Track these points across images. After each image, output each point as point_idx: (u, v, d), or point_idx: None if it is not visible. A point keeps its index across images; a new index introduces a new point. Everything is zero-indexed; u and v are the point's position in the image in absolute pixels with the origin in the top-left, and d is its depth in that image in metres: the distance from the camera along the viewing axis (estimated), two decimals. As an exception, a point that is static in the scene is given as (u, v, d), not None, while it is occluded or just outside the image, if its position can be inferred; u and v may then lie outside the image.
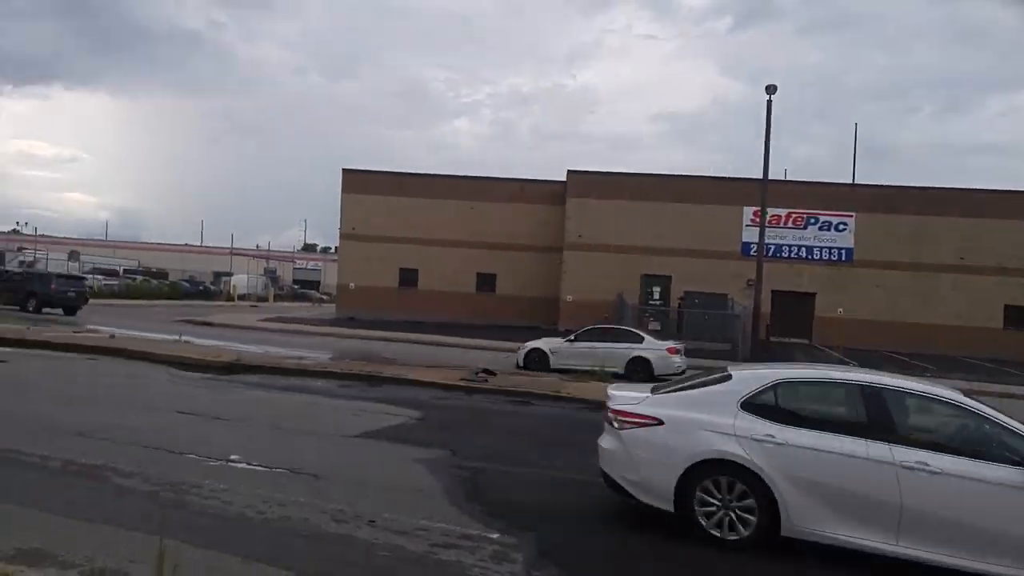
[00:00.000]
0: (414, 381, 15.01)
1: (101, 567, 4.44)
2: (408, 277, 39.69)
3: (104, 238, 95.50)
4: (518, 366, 19.34)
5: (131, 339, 19.79)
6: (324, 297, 73.44)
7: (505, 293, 38.95)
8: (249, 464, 7.66)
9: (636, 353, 18.42)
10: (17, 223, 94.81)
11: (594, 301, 33.79)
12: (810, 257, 35.35)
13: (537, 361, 19.23)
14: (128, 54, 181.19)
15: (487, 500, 7.06)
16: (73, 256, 58.27)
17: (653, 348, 18.65)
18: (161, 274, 67.45)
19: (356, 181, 40.41)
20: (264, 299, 62.60)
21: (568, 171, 37.18)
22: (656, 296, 34.12)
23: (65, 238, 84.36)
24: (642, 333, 19.73)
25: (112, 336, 19.89)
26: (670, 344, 19.18)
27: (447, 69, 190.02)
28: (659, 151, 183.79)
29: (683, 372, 17.47)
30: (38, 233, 73.51)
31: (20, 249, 67.82)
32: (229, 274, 69.69)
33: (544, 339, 20.27)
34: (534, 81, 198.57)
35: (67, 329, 21.67)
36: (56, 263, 54.86)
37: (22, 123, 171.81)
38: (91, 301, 34.39)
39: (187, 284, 60.94)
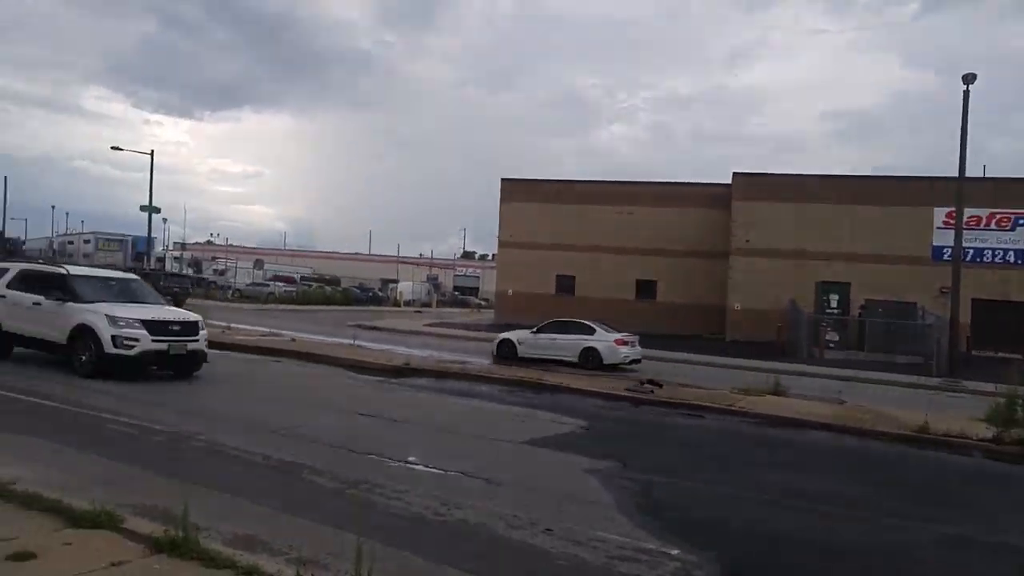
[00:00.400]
0: (578, 390, 14.93)
1: (302, 557, 4.66)
2: (565, 284, 39.80)
3: (283, 247, 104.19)
4: (493, 355, 21.42)
5: (310, 343, 21.25)
6: (482, 303, 75.48)
7: (666, 300, 38.01)
8: (426, 467, 7.87)
9: (588, 344, 19.95)
10: (211, 234, 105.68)
11: (763, 309, 32.18)
12: (1020, 262, 31.53)
13: (508, 350, 21.22)
14: (306, 77, 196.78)
15: (662, 515, 6.80)
16: (258, 264, 63.71)
17: (603, 340, 20.09)
18: (333, 281, 72.21)
19: (514, 190, 41.18)
20: (427, 305, 65.31)
21: (734, 173, 35.72)
22: (833, 305, 31.66)
23: (251, 247, 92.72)
24: (595, 326, 20.86)
25: (293, 340, 21.45)
26: (618, 336, 20.47)
27: (603, 75, 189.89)
28: (829, 151, 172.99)
29: (632, 361, 20.02)
30: (228, 243, 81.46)
31: (214, 258, 75.36)
32: (395, 281, 73.52)
33: (515, 331, 22.34)
34: (693, 83, 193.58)
35: (255, 332, 23.61)
36: (244, 271, 60.41)
37: (217, 144, 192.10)
38: (271, 305, 37.52)
39: (358, 290, 64.79)
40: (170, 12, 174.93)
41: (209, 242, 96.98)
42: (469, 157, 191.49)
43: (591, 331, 20.52)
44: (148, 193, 46.87)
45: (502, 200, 41.45)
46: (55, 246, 76.87)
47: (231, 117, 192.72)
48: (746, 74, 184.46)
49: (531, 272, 39.81)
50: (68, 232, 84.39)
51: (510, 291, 40.86)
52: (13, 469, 6.05)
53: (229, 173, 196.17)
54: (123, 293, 13.66)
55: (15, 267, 14.48)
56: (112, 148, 50.64)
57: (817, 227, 33.24)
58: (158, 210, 50.10)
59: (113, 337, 11.96)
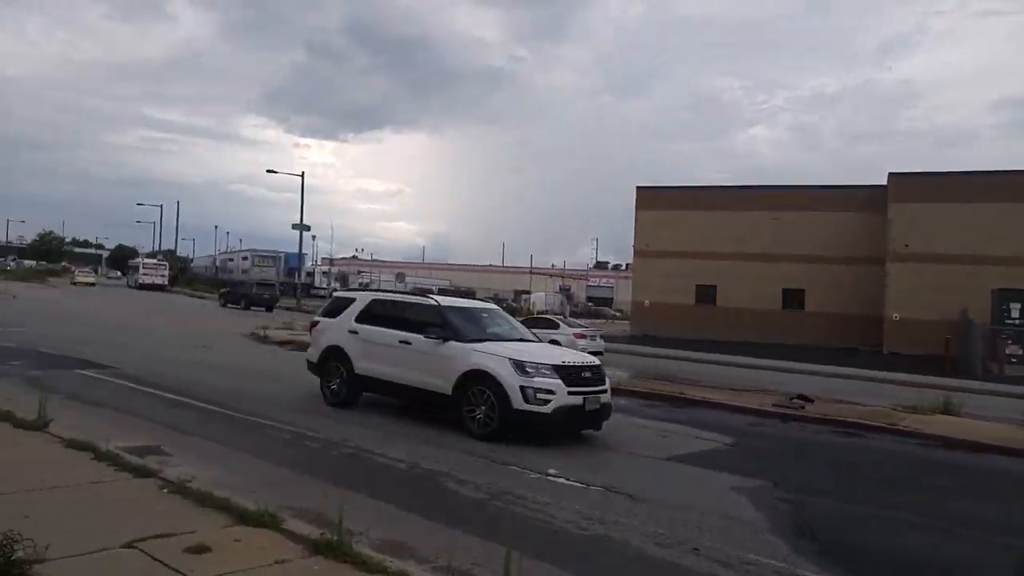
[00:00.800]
0: (721, 404, 14.34)
1: (450, 566, 4.71)
2: (705, 294, 38.52)
3: (421, 261, 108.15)
4: None
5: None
6: (616, 314, 74.67)
7: (815, 310, 35.90)
8: (567, 480, 7.79)
9: (552, 336, 20.88)
10: (356, 250, 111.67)
11: (926, 320, 29.67)
12: None
13: None
14: (441, 96, 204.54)
15: (820, 539, 6.36)
16: (399, 278, 66.58)
17: (564, 334, 22.81)
18: (469, 293, 73.93)
19: (649, 197, 40.42)
20: (560, 316, 65.30)
21: (890, 174, 33.28)
22: (1015, 315, 28.18)
23: (392, 262, 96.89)
24: (560, 322, 25.22)
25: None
26: (577, 331, 24.00)
27: (742, 77, 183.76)
28: (1002, 144, 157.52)
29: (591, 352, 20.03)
30: (372, 258, 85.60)
31: (359, 272, 79.47)
32: (528, 292, 74.27)
33: None
34: (840, 80, 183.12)
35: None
36: (387, 283, 63.27)
37: (360, 164, 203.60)
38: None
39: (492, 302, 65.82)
40: (318, 41, 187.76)
41: (354, 257, 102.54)
42: (602, 166, 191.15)
43: (556, 326, 24.04)
44: (299, 212, 50.32)
45: (638, 208, 40.82)
46: (217, 263, 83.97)
47: (373, 138, 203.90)
48: (900, 66, 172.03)
49: (669, 282, 38.83)
50: (228, 250, 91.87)
51: (646, 302, 40.10)
52: (191, 469, 6.58)
53: (372, 192, 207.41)
54: (494, 326, 11.34)
55: (364, 296, 12.24)
56: (268, 171, 54.69)
57: (990, 228, 30.26)
58: (308, 228, 53.74)
59: (523, 388, 9.37)
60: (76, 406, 9.78)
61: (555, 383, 9.47)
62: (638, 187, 41.07)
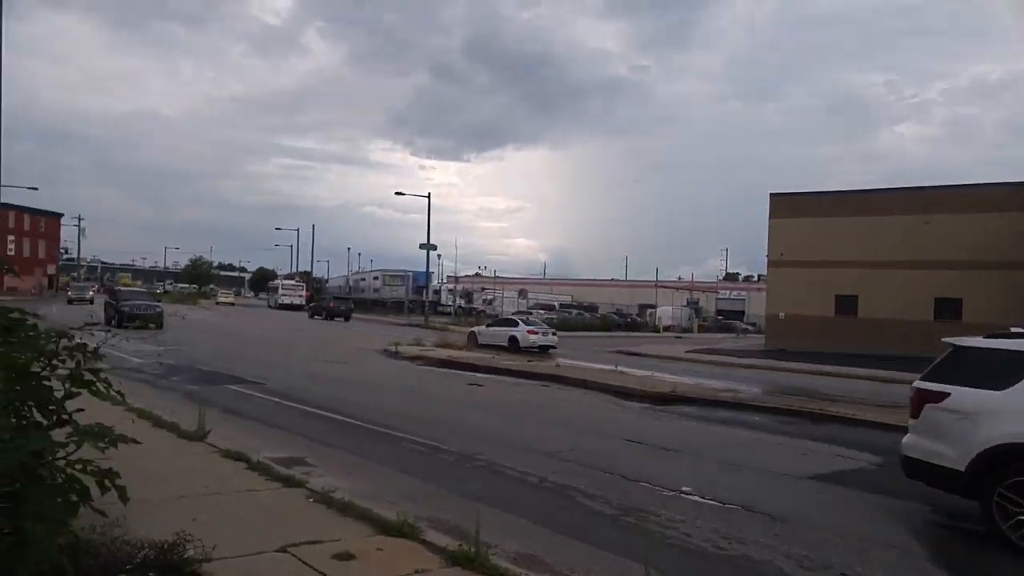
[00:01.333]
0: (865, 422, 13.47)
1: (585, 583, 4.69)
2: (846, 305, 36.18)
3: (542, 276, 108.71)
4: (467, 343, 28.95)
5: (573, 368, 21.74)
6: (748, 328, 71.88)
7: (974, 321, 32.82)
8: (702, 498, 7.56)
9: (511, 333, 28.80)
10: (478, 267, 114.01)
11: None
12: None
13: (473, 339, 29.96)
14: (563, 110, 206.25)
15: (993, 572, 5.78)
16: (522, 294, 67.24)
17: (520, 330, 28.86)
18: (591, 308, 73.50)
19: (784, 205, 38.53)
20: (688, 330, 63.77)
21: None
22: None
23: (514, 278, 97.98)
24: (519, 320, 31.34)
25: (557, 365, 22.12)
26: (529, 328, 29.47)
27: (885, 71, 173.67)
28: None
29: (541, 347, 28.17)
30: (495, 275, 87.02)
31: (483, 289, 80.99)
32: (653, 306, 72.94)
33: (476, 327, 32.65)
34: (1005, 66, 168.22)
35: (521, 358, 24.74)
36: (509, 300, 64.12)
37: (483, 183, 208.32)
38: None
39: (616, 317, 65.28)
40: (440, 64, 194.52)
41: (477, 274, 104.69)
42: (730, 174, 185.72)
43: (516, 324, 29.99)
44: (426, 233, 52.09)
45: (771, 216, 38.99)
46: (350, 283, 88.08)
47: (495, 156, 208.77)
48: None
49: (806, 293, 36.74)
50: (360, 270, 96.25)
51: (781, 314, 38.22)
52: (333, 479, 6.92)
53: (495, 209, 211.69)
54: None
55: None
56: (396, 194, 57.45)
57: None
58: (435, 247, 55.49)
59: None
60: (229, 419, 10.53)
61: None
62: (772, 194, 39.27)
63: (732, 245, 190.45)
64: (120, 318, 26.80)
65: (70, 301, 52.34)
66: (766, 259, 39.93)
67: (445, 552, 4.88)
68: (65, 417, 4.28)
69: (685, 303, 77.86)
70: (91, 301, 51.29)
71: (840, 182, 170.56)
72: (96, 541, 4.04)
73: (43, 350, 4.24)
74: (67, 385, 4.31)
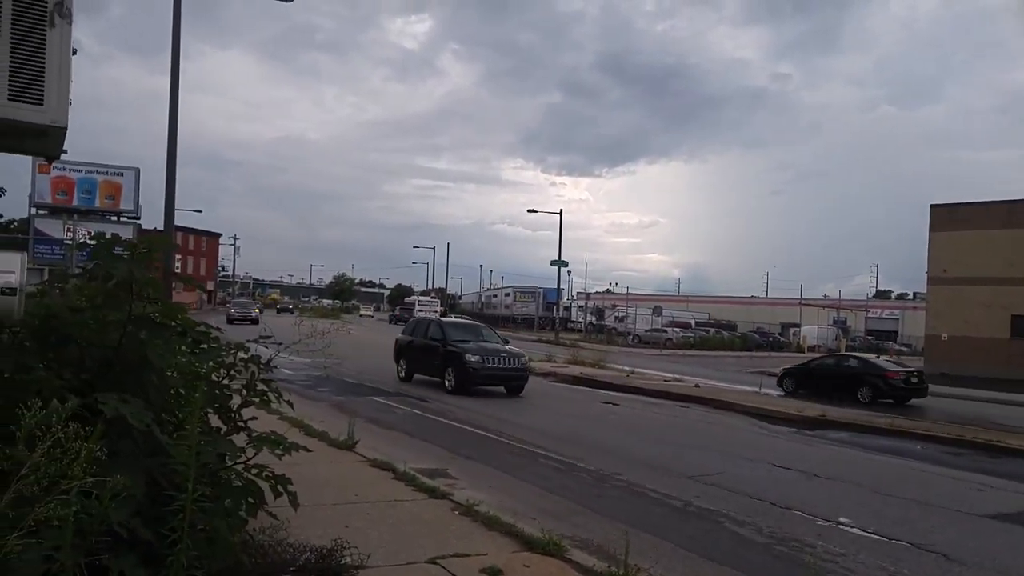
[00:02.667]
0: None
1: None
2: (1023, 325, 32.62)
3: (677, 293, 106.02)
4: None
5: (714, 389, 20.96)
6: (904, 349, 66.72)
7: None
8: (863, 530, 7.01)
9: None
10: (610, 284, 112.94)
11: None
12: None
13: None
14: (697, 123, 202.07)
15: None
16: (656, 311, 65.71)
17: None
18: (729, 326, 70.73)
19: (947, 216, 35.36)
20: (835, 350, 60.05)
21: None
22: None
23: (647, 295, 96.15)
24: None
25: (697, 385, 21.40)
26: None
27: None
28: None
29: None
30: (627, 291, 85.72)
31: (614, 306, 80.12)
32: (796, 325, 69.26)
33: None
34: None
35: (657, 377, 24.18)
36: (642, 317, 62.98)
37: (614, 198, 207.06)
38: (669, 350, 38.64)
39: (757, 336, 62.51)
40: (572, 81, 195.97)
41: (608, 291, 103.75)
42: (881, 185, 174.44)
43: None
44: (558, 249, 52.36)
45: (932, 229, 35.86)
46: (483, 299, 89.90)
47: (627, 171, 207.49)
48: None
49: (974, 312, 33.34)
50: (492, 287, 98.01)
51: (944, 335, 34.98)
52: (476, 492, 7.01)
53: (626, 224, 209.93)
54: None
55: None
56: (528, 211, 58.11)
57: None
58: (566, 264, 55.59)
59: None
60: (373, 428, 10.96)
61: None
62: (932, 206, 36.17)
63: (883, 261, 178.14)
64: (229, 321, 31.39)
65: (231, 320, 44.95)
66: (925, 275, 36.85)
67: (592, 573, 4.79)
68: (241, 424, 4.62)
69: (831, 322, 73.29)
70: (255, 321, 44.21)
71: (1012, 190, 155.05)
72: (264, 542, 4.28)
73: (223, 361, 4.60)
74: (243, 394, 4.65)
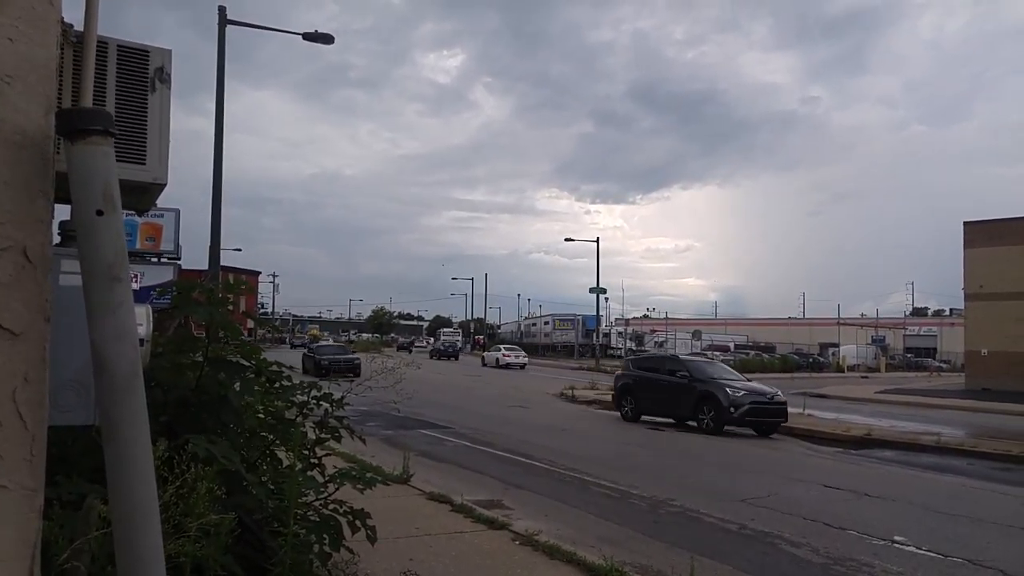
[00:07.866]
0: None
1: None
2: (1069, 341, 31.84)
3: (714, 316, 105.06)
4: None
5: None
6: (943, 365, 65.29)
7: None
8: (918, 548, 7.06)
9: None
10: (647, 309, 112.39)
11: None
12: None
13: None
14: (731, 147, 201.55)
15: None
16: (696, 335, 65.19)
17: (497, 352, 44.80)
18: (768, 348, 69.83)
19: (982, 232, 34.96)
20: (874, 369, 59.03)
21: None
22: None
23: (684, 319, 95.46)
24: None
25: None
26: (503, 351, 45.96)
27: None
28: None
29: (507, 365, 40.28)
30: (666, 317, 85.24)
31: (653, 331, 79.69)
32: (835, 345, 68.22)
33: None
34: None
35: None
36: (682, 341, 62.57)
37: (649, 224, 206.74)
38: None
39: (796, 357, 61.62)
40: (604, 111, 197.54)
41: (646, 316, 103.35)
42: (915, 203, 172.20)
43: (498, 348, 38.59)
44: (596, 277, 52.50)
45: (966, 246, 35.50)
46: (522, 328, 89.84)
47: (661, 197, 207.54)
48: None
49: (1013, 327, 32.69)
50: (531, 315, 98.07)
51: (984, 351, 34.37)
52: (533, 522, 7.19)
53: (661, 250, 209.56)
54: None
55: None
56: (566, 240, 58.90)
57: None
58: (604, 291, 55.66)
59: None
60: (425, 462, 11.16)
61: None
62: (966, 222, 35.84)
63: (919, 278, 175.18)
64: (319, 370, 29.32)
65: (321, 371, 31.17)
66: (962, 292, 36.33)
67: (657, 597, 4.94)
68: (314, 461, 4.90)
69: (870, 341, 72.07)
70: (357, 371, 29.96)
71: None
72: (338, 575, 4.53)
73: (295, 400, 4.90)
74: (317, 431, 4.94)
